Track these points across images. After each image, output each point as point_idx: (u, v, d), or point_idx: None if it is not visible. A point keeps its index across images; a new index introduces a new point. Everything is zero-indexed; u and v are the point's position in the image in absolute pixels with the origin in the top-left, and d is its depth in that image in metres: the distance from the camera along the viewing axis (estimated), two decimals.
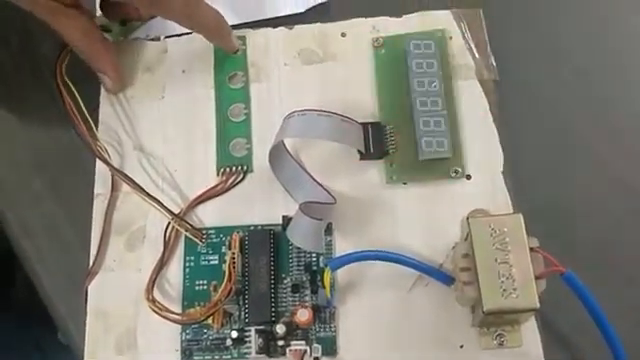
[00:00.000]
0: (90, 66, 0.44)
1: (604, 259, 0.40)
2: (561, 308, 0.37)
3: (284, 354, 0.39)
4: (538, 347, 0.38)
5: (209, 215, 0.42)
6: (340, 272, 0.40)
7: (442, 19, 0.45)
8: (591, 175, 0.42)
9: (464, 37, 0.44)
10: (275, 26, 0.46)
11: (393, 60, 0.44)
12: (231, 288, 0.38)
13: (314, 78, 0.45)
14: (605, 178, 0.42)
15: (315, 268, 0.40)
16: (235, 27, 0.46)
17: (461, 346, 0.38)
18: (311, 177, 0.42)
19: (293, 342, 0.39)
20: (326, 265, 0.38)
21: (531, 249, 0.35)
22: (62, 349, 0.43)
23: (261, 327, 0.39)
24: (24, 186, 0.45)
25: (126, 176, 0.42)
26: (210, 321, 0.39)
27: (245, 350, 0.39)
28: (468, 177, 0.42)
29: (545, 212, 0.40)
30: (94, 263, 0.42)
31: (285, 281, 0.40)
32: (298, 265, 0.40)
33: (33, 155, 0.45)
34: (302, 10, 0.46)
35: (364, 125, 0.42)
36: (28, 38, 0.48)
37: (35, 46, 0.48)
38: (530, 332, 0.38)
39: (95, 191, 0.43)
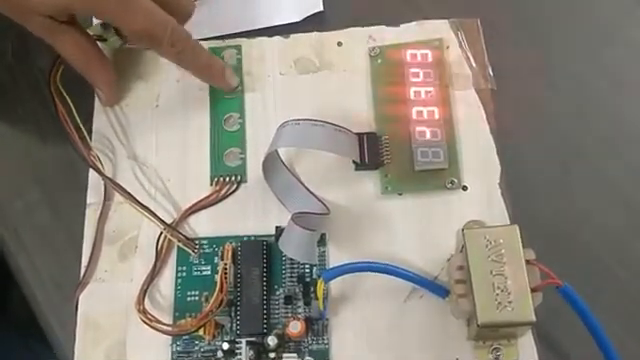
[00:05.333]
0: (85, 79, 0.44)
1: (602, 272, 0.39)
2: (558, 322, 0.37)
3: None
4: None
5: (202, 225, 0.42)
6: (334, 284, 0.39)
7: (439, 28, 0.45)
8: (589, 186, 0.41)
9: (461, 46, 0.44)
10: (271, 35, 0.46)
11: (390, 69, 0.44)
12: (223, 299, 0.38)
13: (310, 87, 0.44)
14: (603, 189, 0.41)
15: (308, 279, 0.40)
16: (231, 36, 0.46)
17: None
18: (305, 187, 0.41)
19: (285, 354, 0.38)
20: (319, 276, 0.38)
21: (527, 261, 0.34)
22: None
23: (252, 339, 0.38)
24: (17, 195, 0.44)
25: (119, 185, 0.42)
26: (201, 332, 0.38)
27: None
28: (464, 188, 0.41)
29: (542, 224, 0.40)
30: (85, 273, 0.41)
31: (278, 292, 0.40)
32: (291, 276, 0.40)
33: (26, 164, 0.45)
34: (298, 19, 0.46)
35: (359, 135, 0.42)
36: (23, 48, 0.48)
37: (30, 56, 0.47)
38: (527, 346, 0.37)
39: (88, 200, 0.43)
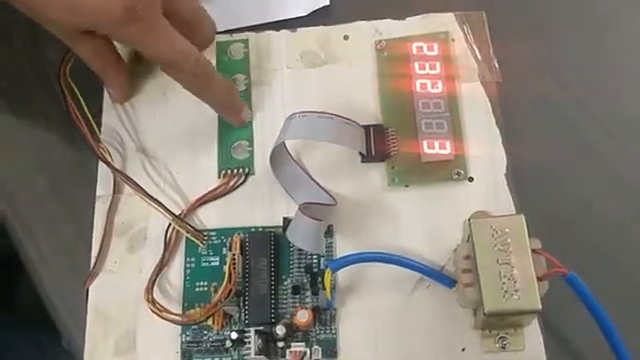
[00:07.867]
0: None
1: (607, 261, 0.40)
2: (564, 311, 0.37)
3: (284, 356, 0.39)
4: (541, 350, 0.38)
5: (210, 217, 0.42)
6: (341, 274, 0.40)
7: (445, 21, 0.45)
8: (594, 176, 0.41)
9: (467, 39, 0.44)
10: (278, 29, 0.46)
11: (396, 62, 0.44)
12: (231, 289, 0.38)
13: (316, 81, 0.45)
14: (608, 179, 0.41)
15: (316, 269, 0.40)
16: (238, 30, 0.46)
17: (463, 349, 0.38)
18: (312, 179, 0.41)
19: (293, 344, 0.39)
20: (326, 266, 0.38)
21: (533, 250, 0.34)
22: (64, 354, 0.43)
23: (261, 328, 0.39)
24: (27, 187, 0.45)
25: (128, 178, 0.42)
26: (210, 322, 0.39)
27: (245, 352, 0.39)
28: (470, 179, 0.41)
29: (548, 214, 0.40)
30: (95, 264, 0.41)
31: (285, 282, 0.40)
32: (299, 266, 0.40)
33: (36, 157, 0.46)
34: (305, 13, 0.46)
35: (366, 127, 0.42)
36: (32, 39, 0.48)
37: (39, 47, 0.48)
38: (533, 335, 0.38)
39: (97, 193, 0.43)
